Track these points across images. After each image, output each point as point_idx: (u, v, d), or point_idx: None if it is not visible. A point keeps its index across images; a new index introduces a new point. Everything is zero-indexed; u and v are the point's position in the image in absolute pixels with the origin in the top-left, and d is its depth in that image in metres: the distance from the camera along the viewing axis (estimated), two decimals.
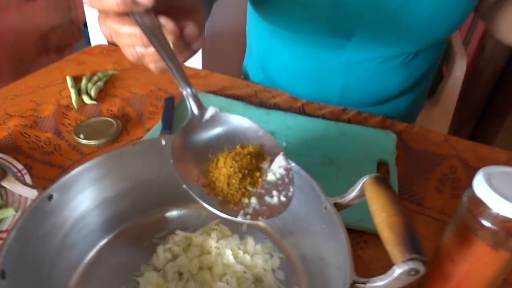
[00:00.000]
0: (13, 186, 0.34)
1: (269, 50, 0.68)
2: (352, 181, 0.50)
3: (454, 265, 0.35)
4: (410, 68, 0.63)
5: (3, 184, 0.34)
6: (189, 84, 0.34)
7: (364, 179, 0.34)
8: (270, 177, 0.35)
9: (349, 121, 0.64)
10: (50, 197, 0.34)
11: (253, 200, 0.34)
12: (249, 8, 0.72)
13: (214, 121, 0.36)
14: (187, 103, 0.35)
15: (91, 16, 1.56)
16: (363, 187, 0.34)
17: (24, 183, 0.34)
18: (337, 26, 0.57)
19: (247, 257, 0.39)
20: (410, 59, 0.61)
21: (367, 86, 0.65)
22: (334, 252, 0.35)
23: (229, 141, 0.36)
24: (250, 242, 0.41)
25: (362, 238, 0.45)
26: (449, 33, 0.58)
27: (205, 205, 0.31)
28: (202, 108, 0.35)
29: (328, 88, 0.66)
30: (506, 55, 1.52)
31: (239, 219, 0.31)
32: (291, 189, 0.35)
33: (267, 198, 0.34)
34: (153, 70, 0.37)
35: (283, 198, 0.34)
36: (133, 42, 0.33)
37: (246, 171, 0.34)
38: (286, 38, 0.63)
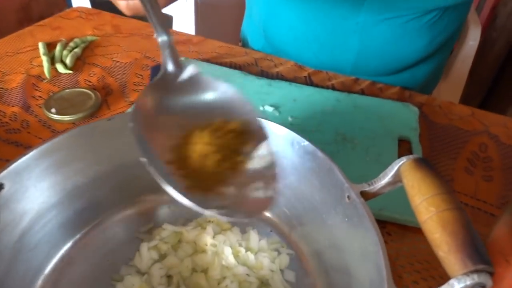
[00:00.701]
0: None
1: (273, 11, 0.59)
2: (370, 162, 0.44)
3: (508, 267, 0.28)
4: (435, 30, 0.55)
5: None
6: (166, 31, 0.27)
7: (401, 162, 0.27)
8: (255, 164, 0.28)
9: (362, 92, 0.56)
10: (0, 187, 0.27)
11: (232, 190, 0.26)
12: None
13: (192, 84, 0.28)
14: (162, 55, 0.27)
15: None
16: (399, 173, 0.27)
17: None
18: None
19: (250, 256, 0.32)
20: (437, 20, 0.53)
21: (386, 52, 0.56)
22: (359, 251, 0.28)
23: (208, 112, 0.28)
24: (254, 236, 0.34)
25: (385, 229, 0.38)
26: None
27: (166, 187, 0.23)
28: (179, 64, 0.28)
29: (341, 55, 0.58)
30: None
31: (209, 212, 0.23)
32: (275, 186, 0.27)
33: (249, 190, 0.26)
34: (123, 8, 0.29)
35: (269, 193, 0.26)
36: None
37: (227, 152, 0.26)
38: (294, 3, 0.54)
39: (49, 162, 0.30)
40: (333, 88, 0.57)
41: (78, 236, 0.33)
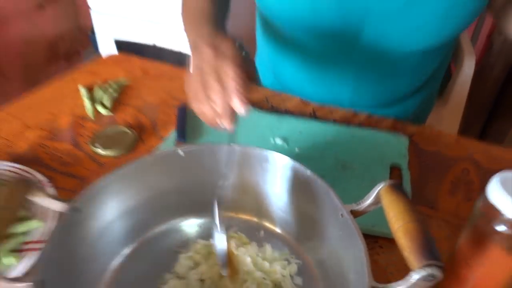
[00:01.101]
0: (41, 200, 0.36)
1: (280, 54, 0.69)
2: (366, 186, 0.52)
3: (469, 269, 0.36)
4: (421, 67, 0.64)
5: (33, 198, 0.35)
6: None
7: (380, 187, 0.35)
8: None
9: (360, 124, 0.65)
10: (77, 210, 0.36)
11: None
12: (258, 13, 0.73)
13: None
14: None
15: (98, 23, 1.58)
16: (379, 195, 0.35)
17: (53, 197, 0.35)
18: (345, 22, 0.57)
19: (266, 264, 0.40)
20: (421, 58, 0.62)
21: (378, 87, 0.65)
22: (352, 258, 0.36)
23: None
24: (268, 249, 0.42)
25: (377, 243, 0.46)
26: (461, 30, 0.58)
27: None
28: None
29: (340, 90, 0.67)
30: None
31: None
32: None
33: None
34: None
35: None
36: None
37: None
38: (297, 41, 0.64)
39: (110, 190, 0.39)
40: (335, 121, 0.66)
41: (129, 248, 0.42)
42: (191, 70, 0.46)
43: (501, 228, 0.32)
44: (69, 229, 0.35)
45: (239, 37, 0.46)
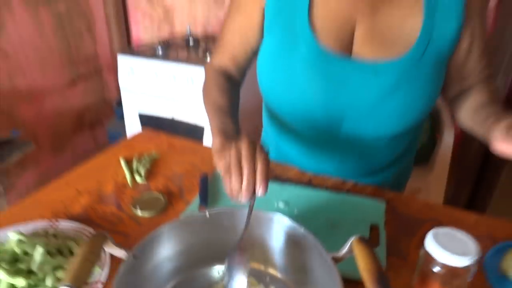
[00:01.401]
0: (110, 249, 0.50)
1: (281, 134, 0.87)
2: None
3: None
4: (392, 146, 0.80)
5: (105, 247, 0.50)
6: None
7: (352, 239, 0.49)
8: None
9: (347, 191, 0.80)
10: (136, 256, 0.50)
11: None
12: (264, 104, 0.91)
13: None
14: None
15: (126, 99, 1.80)
16: (352, 245, 0.49)
17: (119, 246, 0.50)
18: (330, 116, 0.75)
19: None
20: (391, 140, 0.79)
21: (359, 162, 0.81)
22: None
23: None
24: None
25: (358, 286, 0.59)
26: (420, 120, 0.76)
27: None
28: None
29: (330, 164, 0.83)
30: None
31: None
32: None
33: None
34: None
35: None
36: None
37: None
38: (294, 127, 0.82)
39: (157, 242, 0.54)
40: (327, 188, 0.81)
41: (168, 286, 0.55)
42: (212, 147, 0.62)
43: (436, 269, 0.46)
44: (129, 271, 0.49)
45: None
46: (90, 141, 2.32)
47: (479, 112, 0.70)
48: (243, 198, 0.52)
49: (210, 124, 0.72)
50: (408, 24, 0.68)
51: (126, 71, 1.68)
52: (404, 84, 0.69)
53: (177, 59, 1.63)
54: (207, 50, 1.70)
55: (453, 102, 0.79)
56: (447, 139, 1.43)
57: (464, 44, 0.72)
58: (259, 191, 0.52)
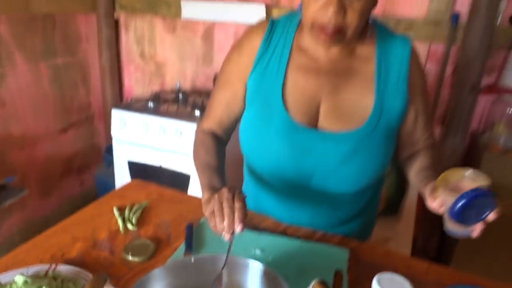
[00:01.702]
0: None
1: (259, 188, 0.98)
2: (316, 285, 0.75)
3: None
4: (356, 200, 0.92)
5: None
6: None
7: (313, 282, 0.59)
8: None
9: (317, 240, 0.90)
10: None
11: None
12: (245, 161, 1.03)
13: None
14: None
15: (117, 148, 1.90)
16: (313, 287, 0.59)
17: (114, 286, 0.58)
18: (300, 174, 0.87)
19: None
20: (355, 195, 0.91)
21: (328, 213, 0.93)
22: None
23: None
24: None
25: None
26: (377, 179, 0.88)
27: None
28: None
29: (301, 215, 0.94)
30: None
31: None
32: None
33: None
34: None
35: None
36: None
37: None
38: (270, 182, 0.93)
39: (150, 283, 0.62)
40: (299, 237, 0.91)
41: None
42: (202, 200, 0.74)
43: None
44: None
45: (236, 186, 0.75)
46: (76, 186, 2.38)
47: (420, 174, 0.84)
48: (226, 235, 0.65)
49: (200, 182, 0.83)
50: (363, 102, 0.83)
51: (119, 123, 1.80)
52: (361, 151, 0.83)
53: (167, 113, 1.76)
54: (194, 105, 1.84)
55: (404, 163, 0.93)
56: (413, 191, 1.57)
57: (410, 117, 0.87)
58: (238, 228, 0.65)
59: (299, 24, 0.88)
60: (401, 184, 1.64)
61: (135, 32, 2.35)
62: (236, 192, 0.70)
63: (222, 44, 2.16)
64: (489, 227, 0.69)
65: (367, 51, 0.86)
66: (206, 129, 0.97)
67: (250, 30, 0.92)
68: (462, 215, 0.65)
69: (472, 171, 0.68)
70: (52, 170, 2.20)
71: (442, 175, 0.70)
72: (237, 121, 0.96)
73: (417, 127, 0.89)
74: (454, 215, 0.65)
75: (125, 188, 1.12)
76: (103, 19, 2.27)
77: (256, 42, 0.89)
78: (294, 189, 0.91)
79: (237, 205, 0.67)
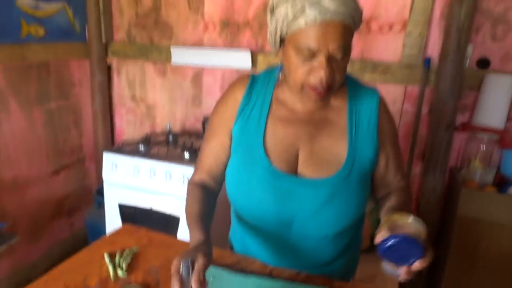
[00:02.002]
0: None
1: (246, 233, 1.02)
2: None
3: None
4: (337, 242, 0.97)
5: None
6: None
7: None
8: None
9: (302, 281, 0.94)
10: None
11: None
12: (232, 207, 1.08)
13: None
14: None
15: (108, 191, 1.93)
16: None
17: None
18: (282, 219, 0.92)
19: None
20: (335, 238, 0.96)
21: (311, 255, 0.97)
22: None
23: None
24: None
25: None
26: (355, 221, 0.94)
27: None
28: None
29: (286, 257, 0.98)
30: (438, 215, 1.91)
31: None
32: None
33: None
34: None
35: None
36: None
37: None
38: (256, 226, 0.98)
39: None
40: (285, 278, 0.95)
41: None
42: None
43: None
44: None
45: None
46: (66, 229, 2.37)
47: (386, 213, 0.90)
48: None
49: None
50: (337, 150, 0.90)
51: (110, 166, 1.84)
52: (337, 195, 0.89)
53: (157, 156, 1.82)
54: (184, 147, 1.90)
55: (378, 202, 0.99)
56: None
57: (382, 163, 0.94)
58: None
59: (277, 79, 0.97)
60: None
61: (127, 76, 2.45)
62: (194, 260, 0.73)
63: (211, 87, 2.26)
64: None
65: (340, 103, 0.94)
66: (197, 181, 1.03)
67: (233, 85, 1.01)
68: (390, 255, 0.71)
69: (413, 218, 0.75)
70: (43, 214, 2.20)
71: (390, 216, 0.77)
72: (226, 169, 1.02)
73: (389, 171, 0.96)
74: (380, 252, 0.72)
75: (116, 233, 1.15)
76: (96, 65, 2.36)
77: (238, 96, 0.97)
78: (277, 232, 0.96)
79: (198, 263, 0.72)
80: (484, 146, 1.74)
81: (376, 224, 1.61)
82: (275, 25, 0.83)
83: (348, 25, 0.79)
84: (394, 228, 0.72)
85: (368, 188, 0.94)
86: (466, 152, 1.84)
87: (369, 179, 0.94)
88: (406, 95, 1.91)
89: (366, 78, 1.92)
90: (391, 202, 0.93)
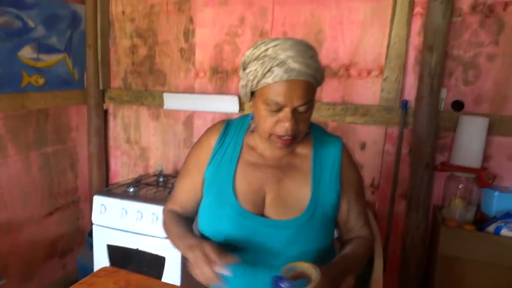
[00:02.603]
0: None
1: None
2: None
3: None
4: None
5: None
6: None
7: None
8: None
9: None
10: None
11: None
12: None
13: None
14: None
15: (96, 232, 1.98)
16: None
17: None
18: (249, 256, 0.96)
19: None
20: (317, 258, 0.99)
21: None
22: None
23: None
24: None
25: None
26: (318, 257, 0.97)
27: None
28: None
29: (254, 286, 1.00)
30: (424, 253, 1.92)
31: None
32: None
33: None
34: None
35: None
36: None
37: None
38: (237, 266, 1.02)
39: None
40: None
41: None
42: (188, 257, 0.88)
43: None
44: None
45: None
46: (59, 270, 2.39)
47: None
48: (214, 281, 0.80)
49: (178, 249, 0.94)
50: (301, 194, 0.96)
51: (99, 208, 1.90)
52: (301, 235, 0.94)
53: (144, 198, 1.88)
54: (172, 188, 1.96)
55: (342, 245, 1.03)
56: (378, 270, 1.63)
57: (343, 208, 1.00)
58: (218, 269, 0.82)
59: (249, 127, 1.05)
60: (368, 260, 1.70)
61: (123, 120, 2.56)
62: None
63: (201, 129, 2.34)
64: None
65: (305, 150, 1.01)
66: (171, 209, 1.11)
67: (209, 130, 1.09)
68: None
69: (308, 265, 0.83)
70: (35, 255, 2.23)
71: (296, 262, 0.86)
72: (198, 205, 1.08)
73: (351, 216, 1.01)
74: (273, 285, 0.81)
75: (95, 274, 1.19)
76: (93, 110, 2.48)
77: (212, 141, 1.05)
78: (246, 267, 0.99)
79: (210, 252, 0.83)
80: (463, 185, 1.78)
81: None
82: (246, 80, 0.93)
83: (311, 83, 0.89)
84: (290, 271, 0.83)
85: (331, 229, 0.99)
86: (447, 191, 1.88)
87: (333, 222, 1.00)
88: (387, 136, 1.99)
89: (348, 120, 2.01)
90: (346, 249, 0.98)
